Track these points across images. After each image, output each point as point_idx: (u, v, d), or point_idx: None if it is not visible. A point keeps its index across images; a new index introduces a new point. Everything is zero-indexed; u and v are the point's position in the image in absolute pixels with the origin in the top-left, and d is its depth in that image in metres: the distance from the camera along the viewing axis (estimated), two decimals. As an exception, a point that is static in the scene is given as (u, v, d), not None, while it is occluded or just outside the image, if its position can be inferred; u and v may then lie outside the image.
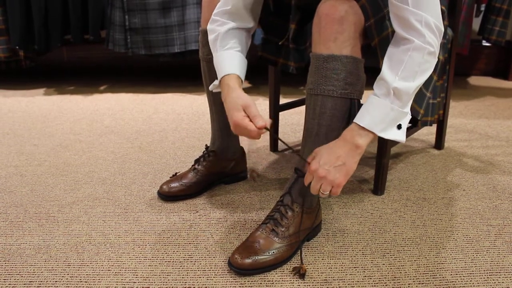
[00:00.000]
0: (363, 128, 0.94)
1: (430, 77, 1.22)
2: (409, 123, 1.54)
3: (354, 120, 0.96)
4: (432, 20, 0.90)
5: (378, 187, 1.35)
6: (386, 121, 0.94)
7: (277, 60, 1.32)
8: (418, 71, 0.92)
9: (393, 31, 1.05)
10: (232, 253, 1.03)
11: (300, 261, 1.05)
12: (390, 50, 0.96)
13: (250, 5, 1.13)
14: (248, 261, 1.01)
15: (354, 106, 1.01)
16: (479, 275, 1.02)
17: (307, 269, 1.04)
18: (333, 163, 0.94)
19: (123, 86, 2.53)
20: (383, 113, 0.94)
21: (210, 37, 1.14)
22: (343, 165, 0.94)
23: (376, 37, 1.03)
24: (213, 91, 1.15)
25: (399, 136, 0.97)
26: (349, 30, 0.97)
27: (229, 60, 1.09)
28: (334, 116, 1.01)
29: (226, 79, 1.07)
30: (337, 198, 1.34)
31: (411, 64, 0.92)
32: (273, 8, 1.27)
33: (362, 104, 0.99)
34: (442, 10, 1.18)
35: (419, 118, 1.30)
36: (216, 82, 1.12)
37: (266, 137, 1.80)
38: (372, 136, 0.95)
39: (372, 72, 1.27)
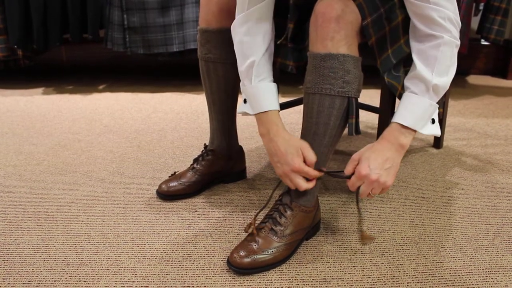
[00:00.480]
0: (406, 127, 0.99)
1: None
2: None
3: (395, 120, 1.01)
4: (453, 15, 0.97)
5: (377, 186, 1.35)
6: (425, 118, 1.01)
7: (275, 59, 1.32)
8: (450, 65, 0.99)
9: (390, 30, 1.06)
10: (231, 252, 1.03)
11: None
12: (418, 47, 1.01)
13: (270, 8, 1.11)
14: (247, 260, 1.01)
15: (351, 105, 1.01)
16: (478, 274, 1.02)
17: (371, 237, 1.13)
18: (383, 166, 0.98)
19: (121, 85, 2.53)
20: (423, 110, 1.00)
21: (241, 63, 1.10)
22: (391, 167, 1.00)
23: (373, 36, 1.03)
24: (242, 115, 1.16)
25: (435, 130, 1.04)
26: (346, 29, 0.97)
27: (268, 94, 1.09)
28: (332, 115, 1.01)
29: (270, 116, 1.07)
30: (336, 198, 1.34)
31: (444, 59, 0.98)
32: None
33: (359, 103, 1.00)
34: None
35: None
36: (246, 109, 1.13)
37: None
38: (414, 134, 1.01)
39: (369, 71, 1.27)
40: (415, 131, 1.00)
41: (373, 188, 0.99)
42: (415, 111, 1.00)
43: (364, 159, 1.00)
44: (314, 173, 1.03)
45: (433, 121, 1.02)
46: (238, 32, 1.10)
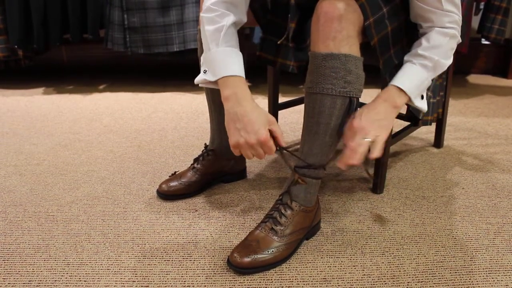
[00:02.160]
0: (401, 90, 1.02)
1: None
2: (409, 122, 1.55)
3: (394, 83, 1.03)
4: (458, 18, 1.05)
5: (377, 186, 1.35)
6: (420, 89, 1.05)
7: (276, 59, 1.32)
8: (450, 55, 1.07)
9: (392, 30, 1.06)
10: (231, 252, 1.03)
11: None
12: (424, 32, 1.07)
13: None
14: (247, 260, 1.01)
15: (353, 105, 1.01)
16: (478, 273, 1.02)
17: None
18: (374, 117, 1.00)
19: (122, 85, 2.53)
20: (420, 81, 1.04)
21: (208, 28, 1.03)
22: (383, 120, 1.00)
23: (375, 36, 1.03)
24: (200, 84, 1.08)
25: (424, 105, 1.09)
26: (348, 29, 0.97)
27: (236, 59, 1.02)
28: (333, 115, 1.01)
29: (238, 80, 1.00)
30: (336, 197, 1.34)
31: (447, 46, 1.06)
32: (271, 7, 1.27)
33: (361, 103, 1.00)
34: None
35: (420, 118, 1.31)
36: (206, 76, 1.04)
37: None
38: (407, 99, 1.04)
39: (371, 71, 1.27)
40: (408, 98, 1.04)
41: (368, 135, 0.96)
42: (413, 79, 1.04)
43: (357, 115, 1.00)
44: (273, 147, 0.98)
45: (422, 97, 1.08)
46: (208, 1, 1.05)
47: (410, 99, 1.04)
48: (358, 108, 1.03)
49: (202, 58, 1.07)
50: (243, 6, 1.09)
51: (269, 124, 0.98)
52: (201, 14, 1.06)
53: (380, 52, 1.06)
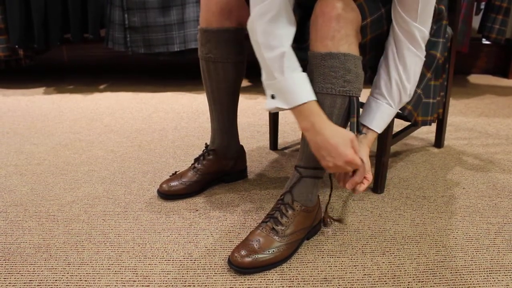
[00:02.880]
0: (376, 133, 1.12)
1: (423, 75, 1.24)
2: (409, 122, 1.54)
3: (376, 130, 1.10)
4: (427, 35, 1.07)
5: (378, 186, 1.35)
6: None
7: None
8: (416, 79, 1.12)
9: (387, 30, 1.08)
10: (232, 252, 1.03)
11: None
12: (401, 56, 1.08)
13: None
14: (248, 259, 1.01)
15: (353, 104, 1.01)
16: (479, 273, 1.02)
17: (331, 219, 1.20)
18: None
19: (122, 85, 2.53)
20: (389, 119, 1.13)
21: (268, 55, 1.00)
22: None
23: (369, 34, 1.04)
24: (271, 111, 1.06)
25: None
26: (346, 28, 0.97)
27: (304, 84, 1.00)
28: (333, 114, 1.01)
29: (311, 107, 0.99)
30: (337, 197, 1.34)
31: (417, 74, 1.11)
32: None
33: (361, 102, 1.01)
34: (441, 9, 1.19)
35: (405, 114, 1.29)
36: (278, 104, 1.02)
37: (266, 135, 1.80)
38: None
39: (370, 70, 1.26)
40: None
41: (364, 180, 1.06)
42: (387, 121, 1.12)
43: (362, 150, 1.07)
44: (360, 163, 1.02)
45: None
46: (260, 23, 1.00)
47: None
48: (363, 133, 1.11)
49: (266, 83, 1.05)
50: (293, 14, 1.05)
51: (350, 142, 1.00)
52: (258, 39, 1.02)
53: (370, 50, 1.10)
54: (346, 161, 0.98)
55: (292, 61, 1.01)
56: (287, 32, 1.02)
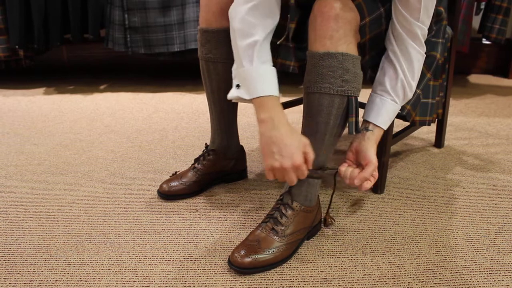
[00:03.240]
0: (383, 130, 1.10)
1: (423, 74, 1.24)
2: (406, 121, 1.54)
3: (381, 126, 1.09)
4: (426, 33, 1.07)
5: (378, 186, 1.35)
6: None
7: (275, 60, 1.32)
8: (417, 77, 1.12)
9: (386, 30, 1.08)
10: (232, 252, 1.03)
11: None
12: (403, 53, 1.07)
13: None
14: (248, 260, 1.01)
15: (351, 103, 1.01)
16: (479, 274, 1.02)
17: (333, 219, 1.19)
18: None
19: (123, 85, 2.53)
20: (394, 115, 1.13)
21: (240, 43, 1.01)
22: None
23: (368, 34, 1.04)
24: (233, 100, 1.06)
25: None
26: (345, 28, 0.97)
27: (271, 78, 1.00)
28: (332, 114, 1.01)
29: (274, 101, 0.98)
30: (337, 197, 1.34)
31: (420, 71, 1.11)
32: None
33: (360, 102, 1.01)
34: (440, 11, 1.19)
35: (404, 113, 1.30)
36: (239, 93, 1.03)
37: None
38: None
39: (371, 70, 1.26)
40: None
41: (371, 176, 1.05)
42: (391, 118, 1.12)
43: (370, 160, 1.06)
44: (306, 174, 0.99)
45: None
46: (239, 10, 1.01)
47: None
48: (367, 131, 1.09)
49: (234, 71, 1.05)
50: (277, 8, 1.05)
51: (303, 147, 0.97)
52: (234, 25, 1.02)
53: (369, 50, 1.09)
54: (294, 164, 0.95)
55: (263, 53, 1.01)
56: (265, 23, 1.02)
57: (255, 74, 1.00)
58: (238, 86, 1.04)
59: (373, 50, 1.11)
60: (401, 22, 1.04)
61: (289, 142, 0.95)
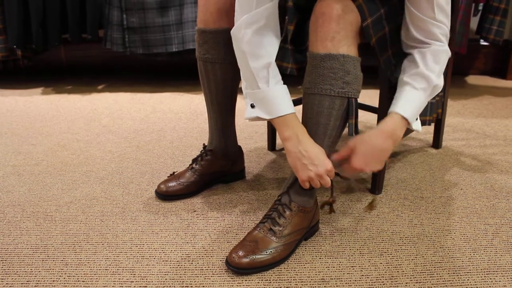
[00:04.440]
0: (404, 119, 1.03)
1: None
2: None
3: (398, 111, 1.03)
4: (448, 31, 1.05)
5: (376, 186, 1.35)
6: (418, 113, 1.07)
7: None
8: (443, 72, 1.08)
9: (390, 31, 1.07)
10: (229, 252, 1.03)
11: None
12: (419, 49, 1.06)
13: (276, 9, 1.06)
14: (245, 260, 1.01)
15: (351, 105, 1.02)
16: (477, 274, 1.02)
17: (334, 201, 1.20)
18: (378, 159, 1.04)
19: (121, 85, 2.53)
20: (420, 106, 1.06)
21: (254, 65, 1.02)
22: (384, 156, 1.05)
23: (374, 36, 1.03)
24: (249, 120, 1.09)
25: (419, 126, 1.10)
26: (346, 29, 0.97)
27: (287, 96, 1.04)
28: (332, 115, 1.01)
29: (294, 119, 1.03)
30: (336, 197, 1.34)
31: (443, 65, 1.06)
32: None
33: (360, 103, 1.01)
34: None
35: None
36: (258, 114, 1.05)
37: (264, 136, 1.80)
38: (407, 125, 1.06)
39: (370, 72, 1.27)
40: (409, 123, 1.05)
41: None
42: (415, 105, 1.05)
43: (360, 152, 1.02)
44: (334, 175, 1.06)
45: (416, 118, 1.09)
46: (246, 32, 1.03)
47: (409, 123, 1.05)
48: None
49: (246, 92, 1.07)
50: (279, 26, 1.08)
51: (325, 153, 1.04)
52: (243, 47, 1.04)
53: (379, 52, 1.07)
54: (327, 169, 1.02)
55: (276, 73, 1.05)
56: (274, 43, 1.06)
57: (273, 95, 1.03)
58: (252, 106, 1.07)
59: (383, 53, 1.09)
60: (415, 23, 1.03)
61: (316, 151, 1.02)
